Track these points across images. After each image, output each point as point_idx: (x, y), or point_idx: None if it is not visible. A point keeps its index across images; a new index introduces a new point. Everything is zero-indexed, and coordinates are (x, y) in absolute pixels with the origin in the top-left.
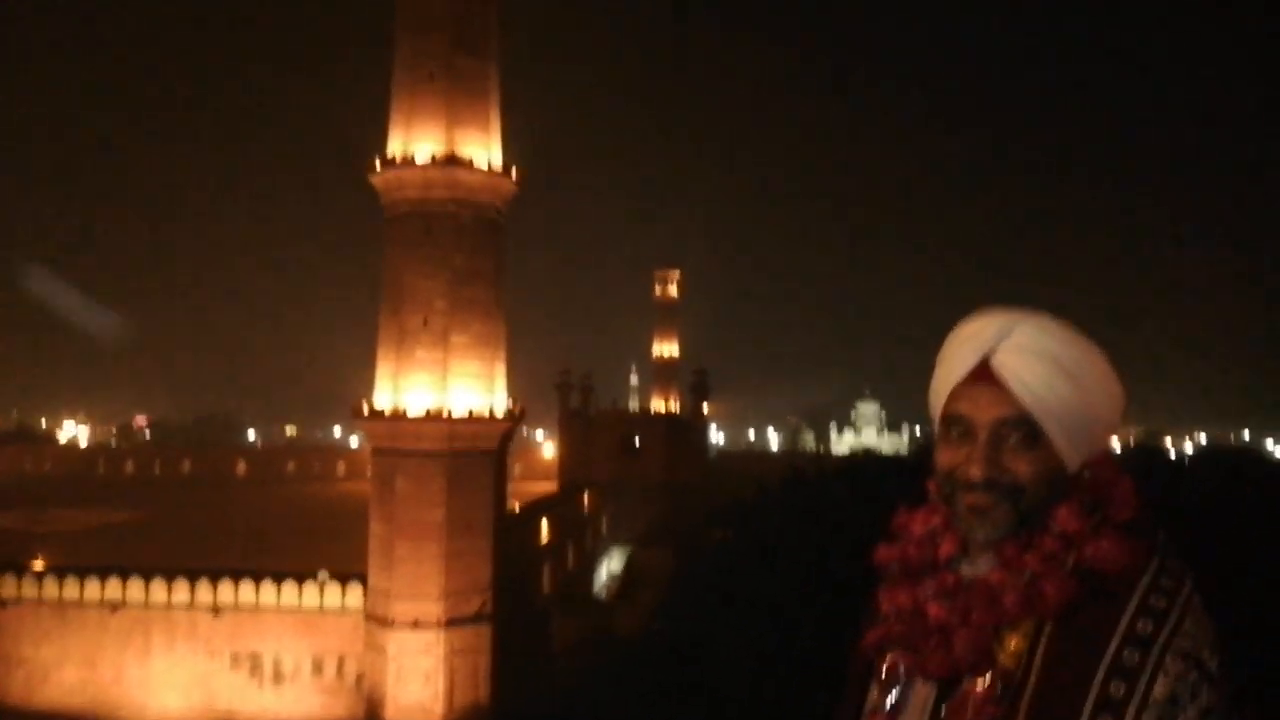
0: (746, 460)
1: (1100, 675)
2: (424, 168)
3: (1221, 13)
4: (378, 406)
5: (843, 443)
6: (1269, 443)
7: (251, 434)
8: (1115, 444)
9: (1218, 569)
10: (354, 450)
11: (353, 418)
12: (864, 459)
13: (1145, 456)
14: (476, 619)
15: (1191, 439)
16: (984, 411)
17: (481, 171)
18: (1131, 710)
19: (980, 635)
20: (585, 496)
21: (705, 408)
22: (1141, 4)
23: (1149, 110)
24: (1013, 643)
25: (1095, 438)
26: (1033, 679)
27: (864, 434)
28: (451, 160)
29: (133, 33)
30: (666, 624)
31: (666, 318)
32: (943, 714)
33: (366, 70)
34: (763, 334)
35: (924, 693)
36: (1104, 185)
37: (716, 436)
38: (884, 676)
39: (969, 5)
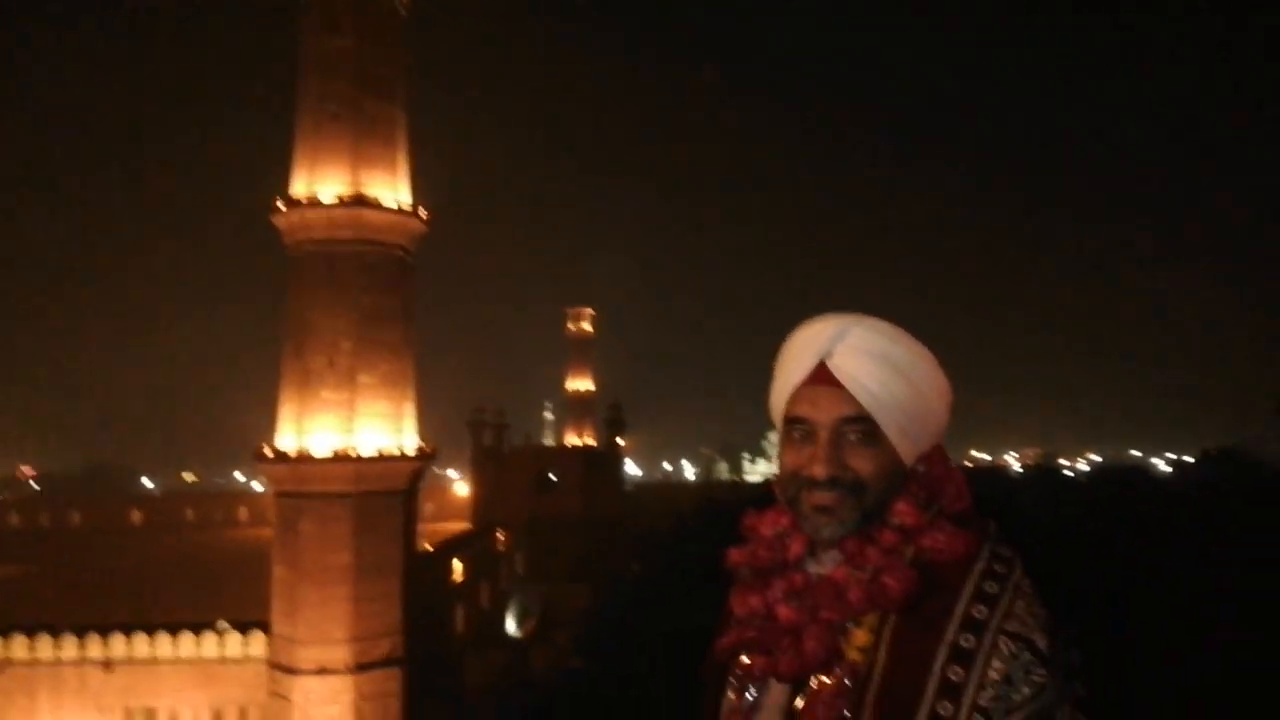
0: (663, 491)
1: (940, 661)
2: (329, 208)
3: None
4: (281, 449)
5: (755, 471)
6: (1155, 460)
7: (147, 481)
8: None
9: (1105, 570)
10: (257, 494)
11: (255, 461)
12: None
13: (1043, 474)
14: (387, 663)
15: (1084, 458)
16: (824, 412)
17: (389, 211)
18: (969, 692)
19: (828, 633)
20: (499, 534)
21: (621, 441)
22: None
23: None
24: (859, 637)
25: (929, 433)
26: (878, 670)
27: (776, 463)
28: (358, 200)
29: (13, 61)
30: (584, 660)
31: (580, 353)
32: (798, 711)
33: (269, 108)
34: (676, 368)
35: (778, 692)
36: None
37: (633, 469)
38: (739, 679)
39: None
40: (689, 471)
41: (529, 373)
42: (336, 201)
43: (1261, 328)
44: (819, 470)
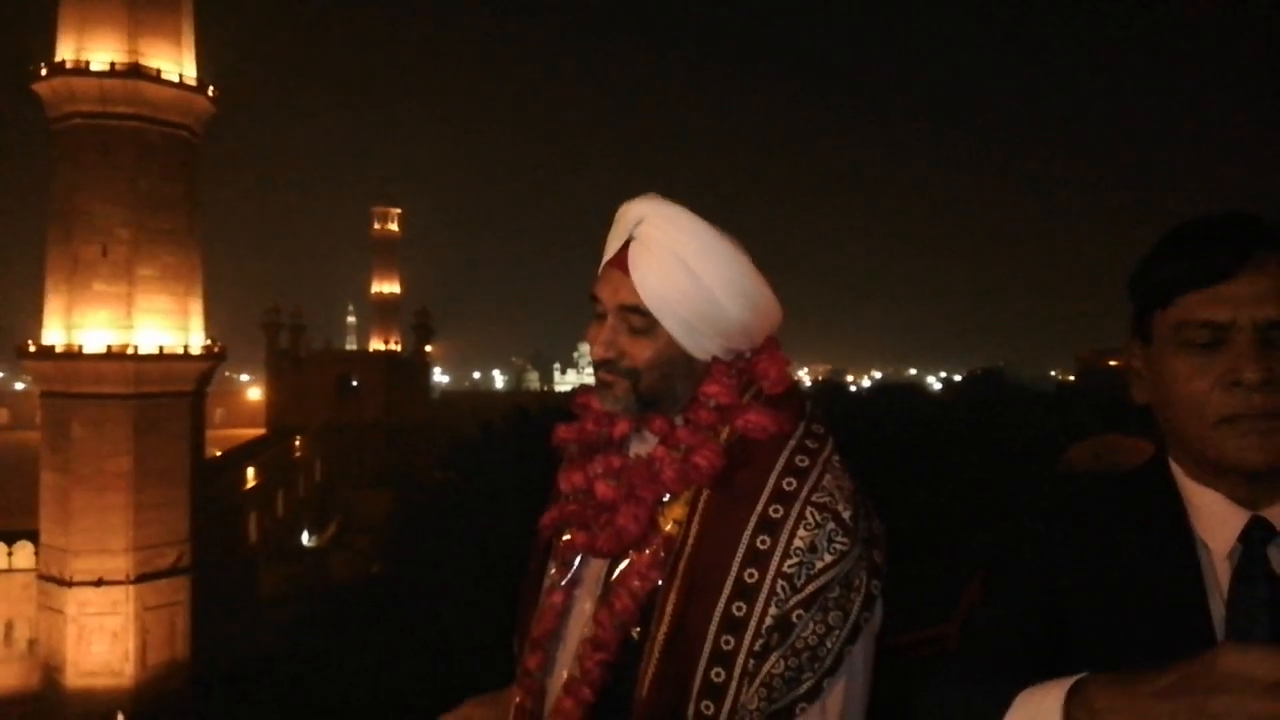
0: (471, 400)
1: (749, 530)
2: (100, 76)
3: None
4: (47, 344)
5: (566, 382)
6: (929, 379)
7: None
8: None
9: (883, 474)
10: (19, 394)
11: (17, 357)
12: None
13: (831, 388)
14: (172, 572)
15: (869, 375)
16: (611, 295)
17: (171, 85)
18: (775, 559)
19: (642, 508)
20: (297, 441)
21: (429, 348)
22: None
23: None
24: (675, 511)
25: (727, 331)
26: (690, 541)
27: (586, 374)
28: (135, 70)
29: None
30: (384, 566)
31: (386, 254)
32: (612, 581)
33: None
34: (488, 276)
35: (597, 566)
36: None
37: (440, 377)
38: (561, 554)
39: None
40: (499, 381)
41: (331, 273)
42: (109, 69)
43: (1027, 259)
44: (596, 351)
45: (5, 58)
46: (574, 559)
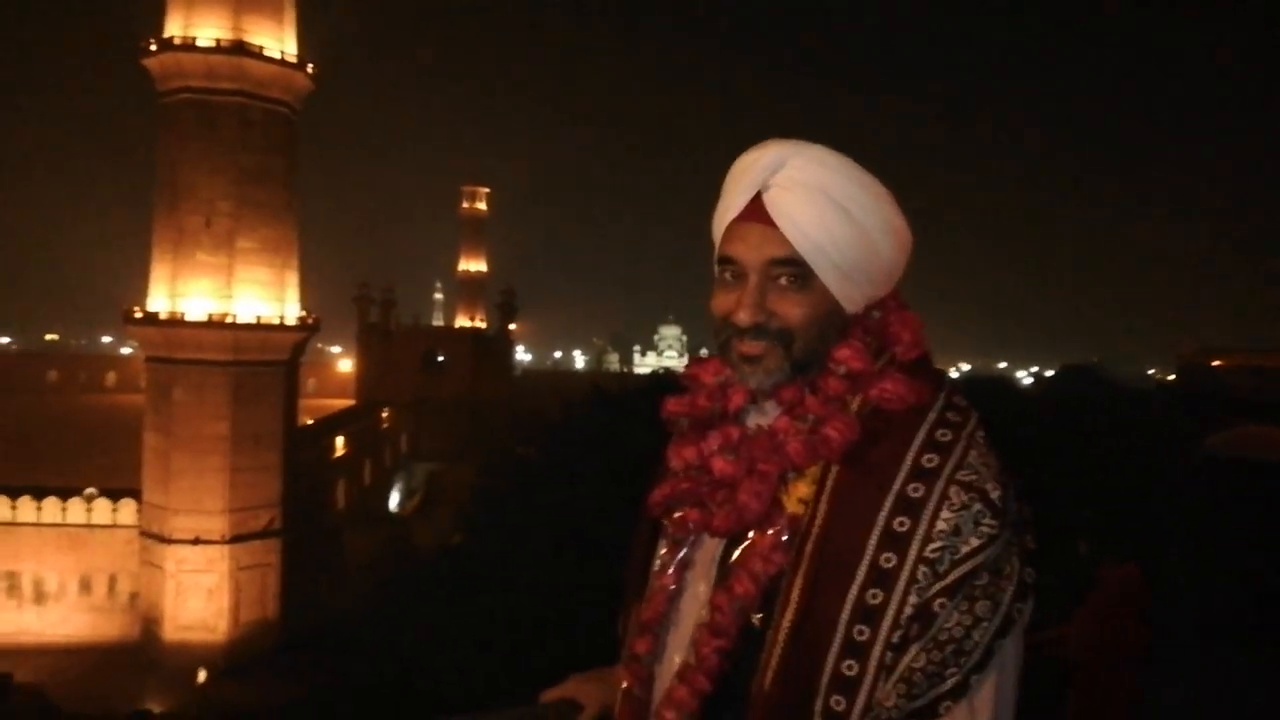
0: (552, 378)
1: (885, 511)
2: (207, 53)
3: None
4: (152, 311)
5: (645, 364)
6: (1019, 373)
7: (3, 339)
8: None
9: None
10: (126, 359)
11: (124, 322)
12: (666, 377)
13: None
14: (265, 534)
15: (956, 368)
16: (754, 251)
17: (273, 62)
18: (915, 543)
19: (765, 485)
20: (384, 412)
21: (512, 326)
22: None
23: None
24: (800, 489)
25: (877, 278)
26: (818, 522)
27: (665, 356)
28: (239, 47)
29: None
30: (465, 539)
31: (474, 233)
32: (731, 563)
33: None
34: (571, 257)
35: (711, 548)
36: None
37: (523, 355)
38: (672, 534)
39: None
40: (579, 360)
41: (421, 251)
42: (215, 45)
43: (1128, 254)
44: (743, 316)
45: (117, 34)
46: (686, 539)
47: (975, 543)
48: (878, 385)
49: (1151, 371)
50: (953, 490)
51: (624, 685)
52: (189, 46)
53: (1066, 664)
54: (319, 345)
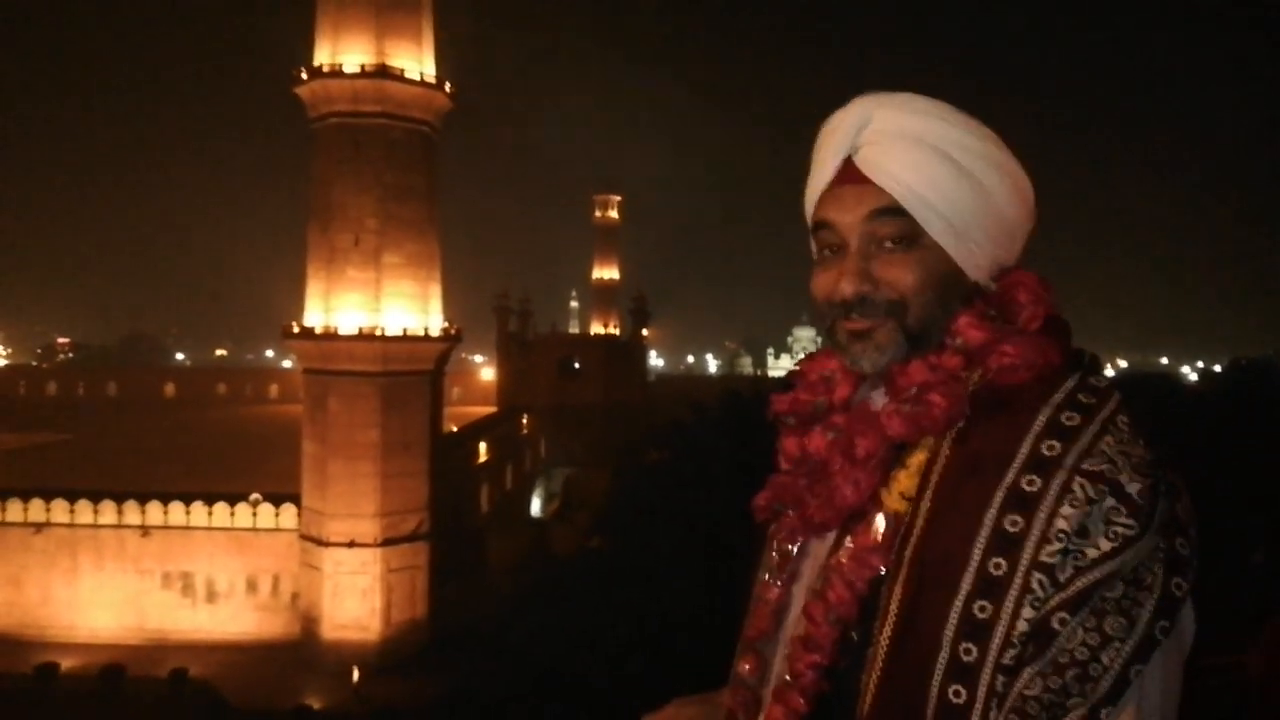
0: (685, 383)
1: (994, 508)
2: (352, 78)
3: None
4: (308, 325)
5: (779, 367)
6: (1184, 369)
7: (180, 355)
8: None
9: None
10: (287, 371)
11: (282, 338)
12: None
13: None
14: (413, 538)
15: (1113, 365)
16: (849, 212)
17: (413, 84)
18: (1029, 548)
19: (864, 472)
20: (524, 419)
21: (645, 332)
22: None
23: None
24: (902, 482)
25: (997, 236)
26: (921, 520)
27: (800, 359)
28: (382, 71)
29: None
30: (602, 542)
31: (606, 241)
32: (825, 567)
33: None
34: (703, 261)
35: (818, 556)
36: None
37: (655, 360)
38: (779, 543)
39: None
40: (712, 365)
41: (555, 259)
42: (360, 71)
43: None
44: (846, 287)
45: (267, 66)
46: (792, 547)
47: (1106, 546)
48: (997, 352)
49: None
50: (1077, 482)
51: (728, 709)
52: (336, 73)
53: (1245, 698)
54: (462, 354)
